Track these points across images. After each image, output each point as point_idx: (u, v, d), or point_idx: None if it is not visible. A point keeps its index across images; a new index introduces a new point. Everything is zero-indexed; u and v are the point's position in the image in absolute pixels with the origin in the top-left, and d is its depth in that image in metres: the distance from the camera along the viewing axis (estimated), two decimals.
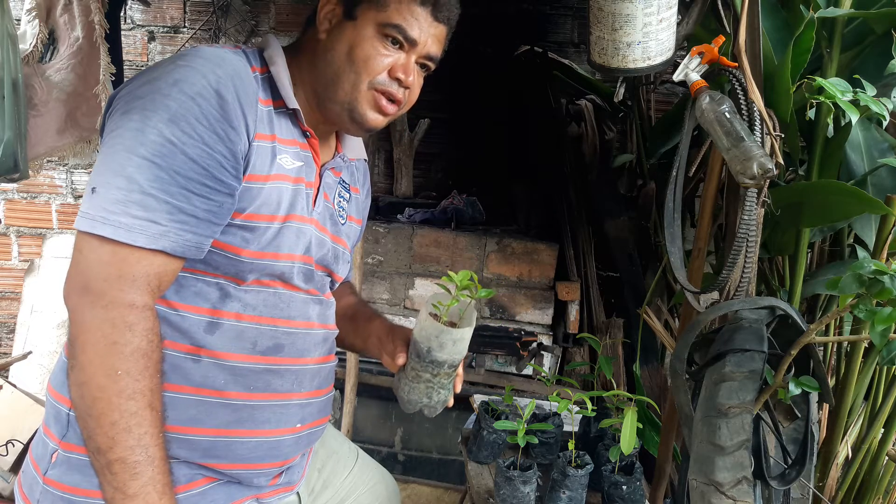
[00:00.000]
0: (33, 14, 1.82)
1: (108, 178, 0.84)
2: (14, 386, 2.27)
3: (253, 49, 1.03)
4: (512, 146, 2.71)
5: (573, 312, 2.27)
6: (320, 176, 1.09)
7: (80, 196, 2.91)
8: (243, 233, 0.94)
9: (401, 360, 1.09)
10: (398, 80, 1.01)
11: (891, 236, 1.40)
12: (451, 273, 1.05)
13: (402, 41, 1.00)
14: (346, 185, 1.18)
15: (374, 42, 0.99)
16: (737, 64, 1.15)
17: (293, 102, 1.00)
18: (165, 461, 0.86)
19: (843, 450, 1.58)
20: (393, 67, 1.01)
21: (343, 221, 1.15)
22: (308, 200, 1.04)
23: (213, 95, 0.89)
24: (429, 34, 1.02)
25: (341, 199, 1.15)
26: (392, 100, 1.02)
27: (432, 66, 1.07)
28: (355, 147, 1.19)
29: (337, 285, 1.19)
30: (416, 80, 1.04)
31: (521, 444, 1.21)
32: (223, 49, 0.96)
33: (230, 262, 0.95)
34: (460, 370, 1.11)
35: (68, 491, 0.91)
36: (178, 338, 0.94)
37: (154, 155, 0.85)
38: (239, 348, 0.97)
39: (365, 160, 1.27)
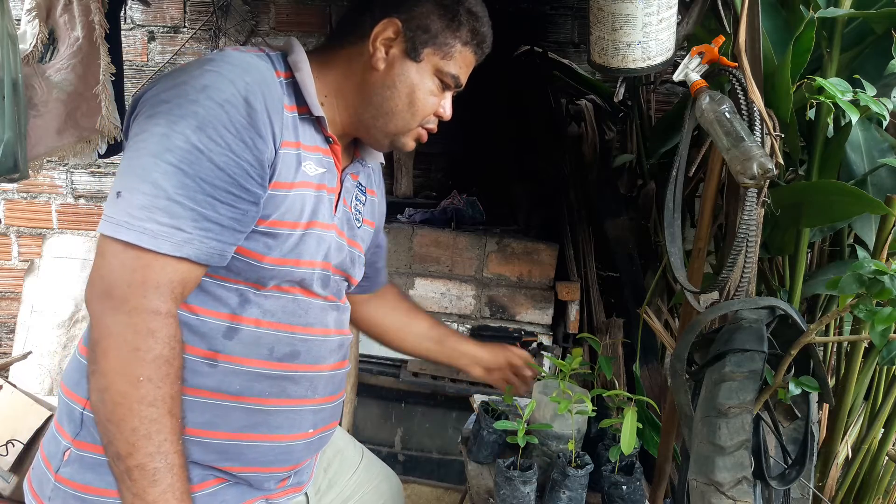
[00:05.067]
0: (33, 14, 1.82)
1: (133, 184, 0.84)
2: (14, 386, 2.26)
3: (277, 53, 1.02)
4: (512, 146, 2.71)
5: (573, 312, 2.27)
6: (341, 181, 1.09)
7: (80, 196, 2.92)
8: (266, 239, 0.94)
9: None
10: (439, 117, 1.09)
11: (891, 236, 1.40)
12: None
13: (453, 86, 1.07)
14: (363, 188, 1.19)
15: (433, 88, 1.05)
16: (737, 64, 1.15)
17: (318, 110, 1.00)
18: (184, 468, 0.85)
19: (843, 450, 1.58)
20: (438, 108, 1.08)
21: (359, 225, 1.16)
22: (330, 206, 1.04)
23: (241, 103, 0.88)
24: (467, 75, 1.11)
25: (358, 203, 1.16)
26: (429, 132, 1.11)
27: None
28: (374, 152, 1.19)
29: (353, 288, 1.20)
30: None
31: (521, 444, 1.21)
32: (249, 54, 0.95)
33: (251, 269, 0.95)
34: None
35: (81, 489, 0.92)
36: (197, 342, 0.94)
37: (181, 161, 0.84)
38: (256, 354, 0.97)
39: (381, 163, 1.27)
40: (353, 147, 1.17)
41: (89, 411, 0.93)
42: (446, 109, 1.08)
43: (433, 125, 1.10)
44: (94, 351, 0.84)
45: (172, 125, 0.85)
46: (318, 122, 1.02)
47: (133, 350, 0.82)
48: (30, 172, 1.68)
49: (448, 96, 1.09)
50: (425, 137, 1.10)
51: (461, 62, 1.06)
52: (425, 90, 1.04)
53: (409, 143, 1.10)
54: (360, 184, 1.17)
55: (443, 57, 1.03)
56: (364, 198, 1.19)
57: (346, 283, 1.15)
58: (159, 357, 0.83)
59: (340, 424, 2.27)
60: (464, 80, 1.08)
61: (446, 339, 1.41)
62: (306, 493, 1.16)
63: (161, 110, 0.87)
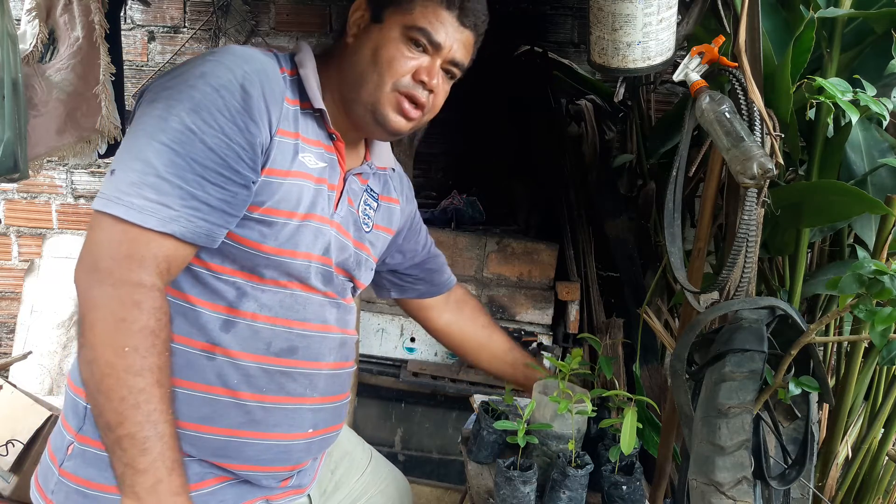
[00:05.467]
0: (33, 14, 1.82)
1: (126, 161, 0.87)
2: (14, 386, 2.26)
3: (285, 53, 1.04)
4: (512, 146, 2.71)
5: (573, 312, 2.27)
6: (344, 180, 1.09)
7: (80, 196, 2.92)
8: (261, 227, 0.95)
9: None
10: (422, 83, 1.02)
11: (891, 236, 1.40)
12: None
13: (427, 45, 1.01)
14: (375, 194, 1.18)
15: (399, 44, 1.00)
16: (737, 64, 1.15)
17: (319, 103, 1.01)
18: (175, 438, 0.86)
19: (843, 450, 1.58)
20: (417, 70, 1.01)
21: (368, 229, 1.15)
22: (330, 202, 1.04)
23: (237, 89, 0.90)
24: (454, 39, 1.03)
25: (367, 207, 1.15)
26: (415, 103, 1.03)
27: (458, 72, 1.08)
28: (384, 155, 1.19)
29: (359, 292, 1.19)
30: (441, 84, 1.05)
31: (521, 444, 1.21)
32: (253, 49, 0.98)
33: (248, 257, 0.95)
34: None
35: (82, 484, 0.92)
36: (195, 334, 0.95)
37: (173, 141, 0.86)
38: (253, 348, 0.98)
39: (393, 169, 1.25)
40: (363, 150, 1.17)
41: None
42: (428, 72, 1.01)
43: (413, 90, 1.01)
44: (81, 324, 0.85)
45: (169, 108, 0.88)
46: (321, 118, 1.03)
47: (119, 321, 0.83)
48: (30, 172, 1.68)
49: (427, 60, 1.02)
50: (409, 109, 1.02)
51: (430, 16, 1.00)
52: (390, 47, 1.00)
53: (391, 116, 1.02)
54: (371, 188, 1.17)
55: (404, 12, 1.00)
56: (376, 203, 1.18)
57: (352, 285, 1.14)
58: (145, 328, 0.84)
59: None
60: (439, 37, 1.00)
61: (520, 365, 1.45)
62: (309, 496, 1.16)
63: (162, 96, 0.90)
